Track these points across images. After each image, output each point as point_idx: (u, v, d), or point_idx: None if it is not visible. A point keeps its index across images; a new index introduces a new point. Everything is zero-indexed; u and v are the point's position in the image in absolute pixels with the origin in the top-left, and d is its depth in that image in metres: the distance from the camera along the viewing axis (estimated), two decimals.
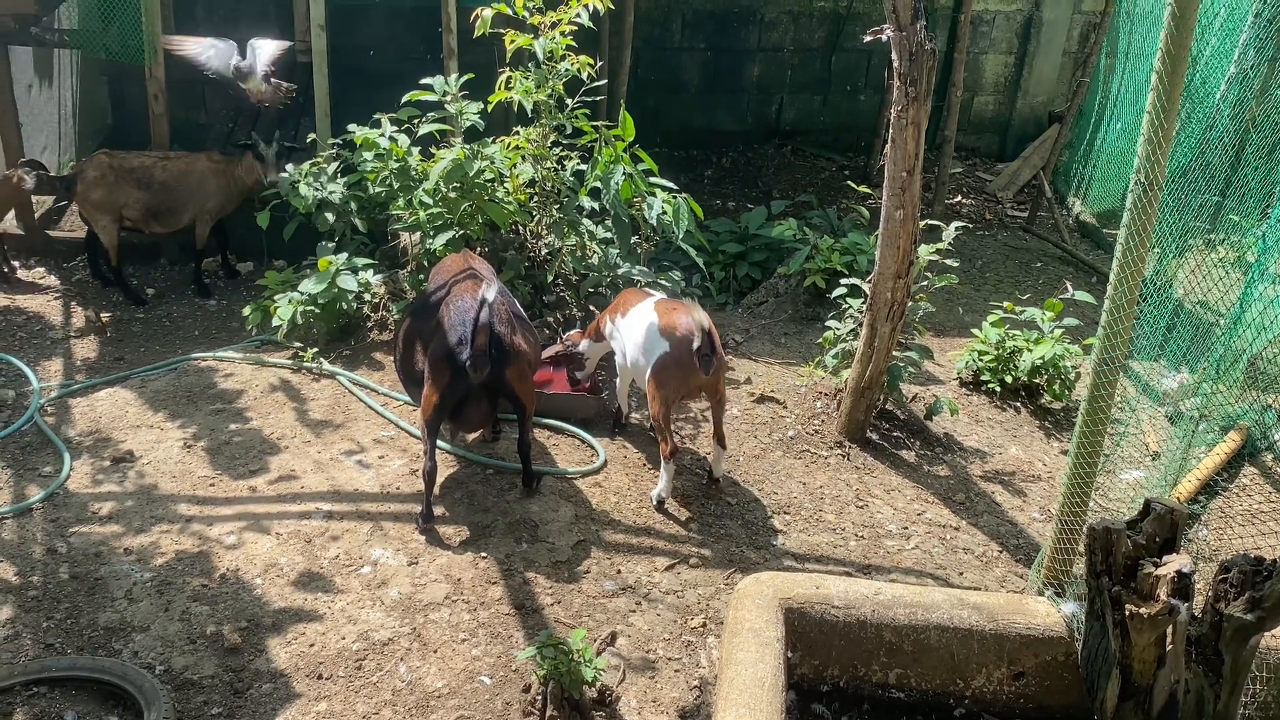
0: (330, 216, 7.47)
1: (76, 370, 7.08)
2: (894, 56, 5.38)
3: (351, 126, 7.46)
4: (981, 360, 7.03)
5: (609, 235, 7.12)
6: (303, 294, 6.91)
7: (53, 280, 8.53)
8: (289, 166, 7.66)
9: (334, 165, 7.66)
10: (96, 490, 5.52)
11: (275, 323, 6.91)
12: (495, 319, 5.07)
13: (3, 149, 8.80)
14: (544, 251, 7.23)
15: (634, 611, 4.83)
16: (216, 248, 8.61)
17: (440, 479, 5.51)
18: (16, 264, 8.62)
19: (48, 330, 7.67)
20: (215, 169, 8.09)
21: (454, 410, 5.28)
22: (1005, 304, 7.25)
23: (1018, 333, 7.07)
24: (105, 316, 7.86)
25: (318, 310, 6.90)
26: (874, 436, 6.41)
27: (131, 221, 8.09)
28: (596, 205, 7.06)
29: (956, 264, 6.60)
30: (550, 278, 7.07)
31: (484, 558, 5.09)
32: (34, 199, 9.04)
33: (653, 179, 6.93)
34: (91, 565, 4.93)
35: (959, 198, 11.79)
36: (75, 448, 5.89)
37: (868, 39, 5.55)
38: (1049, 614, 4.25)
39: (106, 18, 8.29)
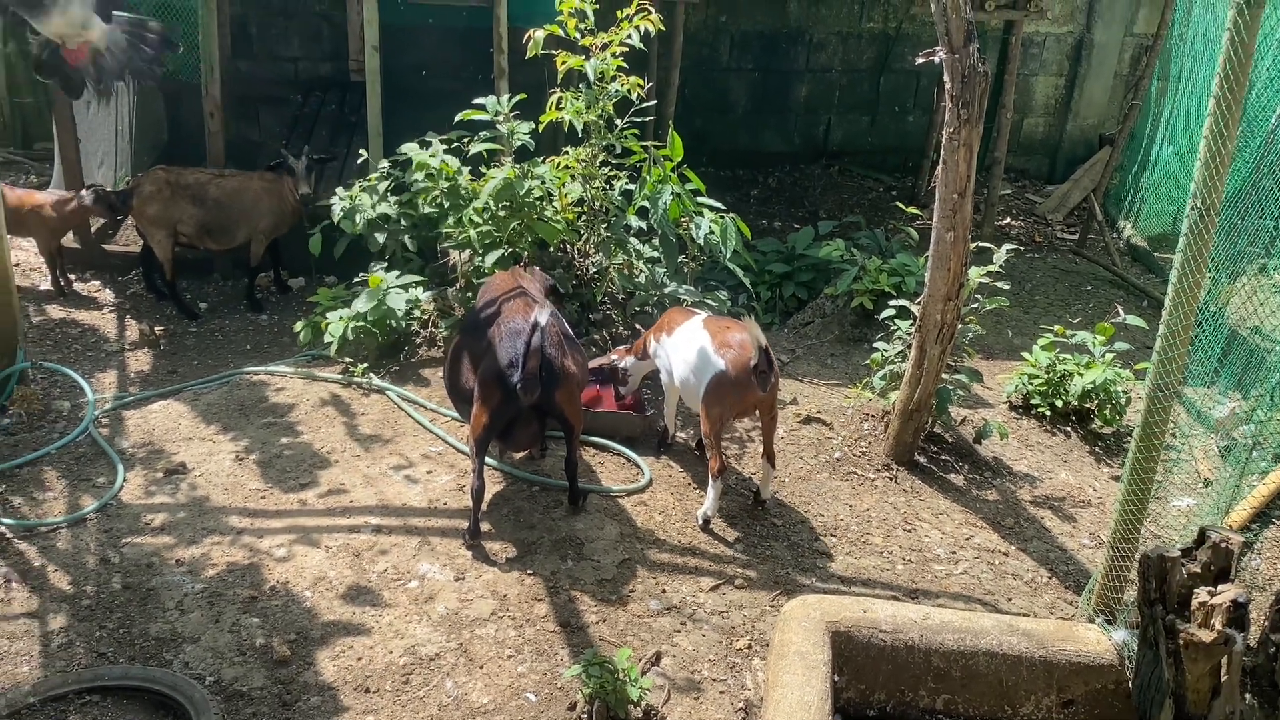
0: (381, 235, 7.56)
1: (130, 383, 7.19)
2: (946, 79, 5.37)
3: (403, 146, 7.54)
4: (1031, 384, 6.98)
5: (656, 254, 7.15)
6: (353, 310, 6.99)
7: (108, 294, 8.68)
8: (339, 188, 7.75)
9: (385, 184, 7.75)
10: (149, 501, 5.60)
11: (326, 338, 6.99)
12: (547, 342, 5.10)
13: (62, 165, 8.98)
14: (591, 270, 7.27)
15: (679, 631, 4.82)
16: (269, 264, 8.73)
17: (487, 495, 5.53)
18: (72, 277, 8.78)
19: (103, 343, 7.81)
20: (267, 188, 8.22)
21: (503, 430, 5.29)
22: (1055, 327, 7.19)
23: (1068, 356, 7.01)
24: (159, 330, 7.99)
25: (368, 326, 6.98)
26: (922, 459, 6.37)
27: (186, 237, 8.22)
28: (644, 224, 7.09)
29: (1006, 286, 6.55)
30: (597, 296, 7.11)
31: (530, 574, 5.11)
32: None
33: (700, 199, 6.95)
34: (144, 576, 4.99)
35: (1008, 219, 11.73)
36: (129, 459, 5.98)
37: (920, 61, 5.55)
38: (1100, 641, 4.21)
39: None
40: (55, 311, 8.27)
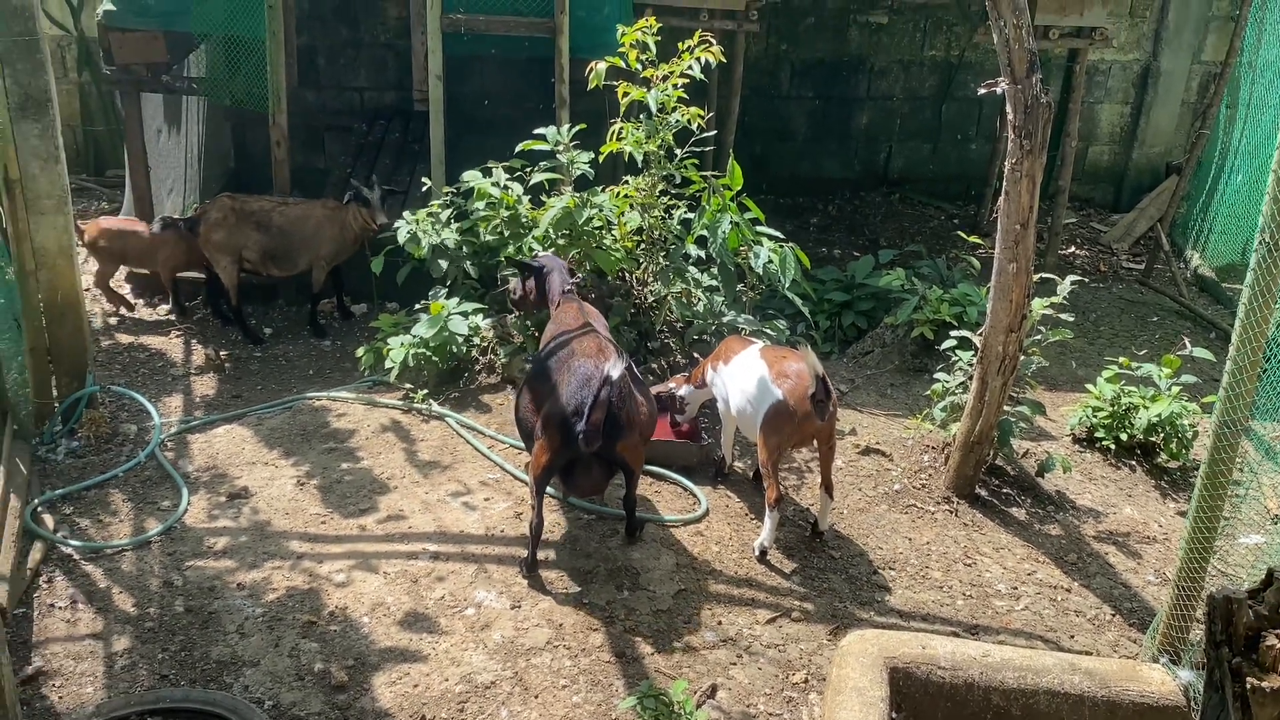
0: (443, 262, 7.63)
1: (196, 407, 7.32)
2: (1008, 109, 5.33)
3: (465, 174, 7.62)
4: (1096, 416, 6.87)
5: (714, 283, 7.15)
6: (414, 336, 7.06)
7: (175, 319, 8.85)
8: (405, 214, 7.84)
9: (447, 212, 7.83)
10: (212, 525, 5.68)
11: (387, 364, 7.06)
12: (614, 395, 4.97)
13: (132, 192, 9.20)
14: (649, 298, 7.28)
15: (735, 664, 4.79)
16: (332, 290, 8.85)
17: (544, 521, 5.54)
18: (139, 302, 8.97)
19: (169, 367, 7.96)
20: (330, 216, 8.34)
21: (564, 473, 5.22)
22: (1120, 359, 7.09)
23: (1133, 389, 6.90)
24: (224, 355, 8.13)
25: (428, 353, 7.04)
26: (983, 492, 6.29)
27: (250, 264, 8.37)
28: (702, 253, 7.10)
29: (1070, 317, 6.47)
30: (656, 324, 7.12)
31: (585, 604, 5.11)
32: None
33: (759, 228, 6.95)
34: (206, 599, 5.06)
35: (1072, 249, 11.60)
36: (193, 483, 6.08)
37: (982, 91, 5.51)
38: (1164, 682, 4.12)
39: (233, 67, 8.65)
40: (123, 336, 8.45)
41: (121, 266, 9.09)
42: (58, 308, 6.50)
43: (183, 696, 4.39)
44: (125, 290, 9.27)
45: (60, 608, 4.97)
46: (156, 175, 9.57)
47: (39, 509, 5.70)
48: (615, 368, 4.94)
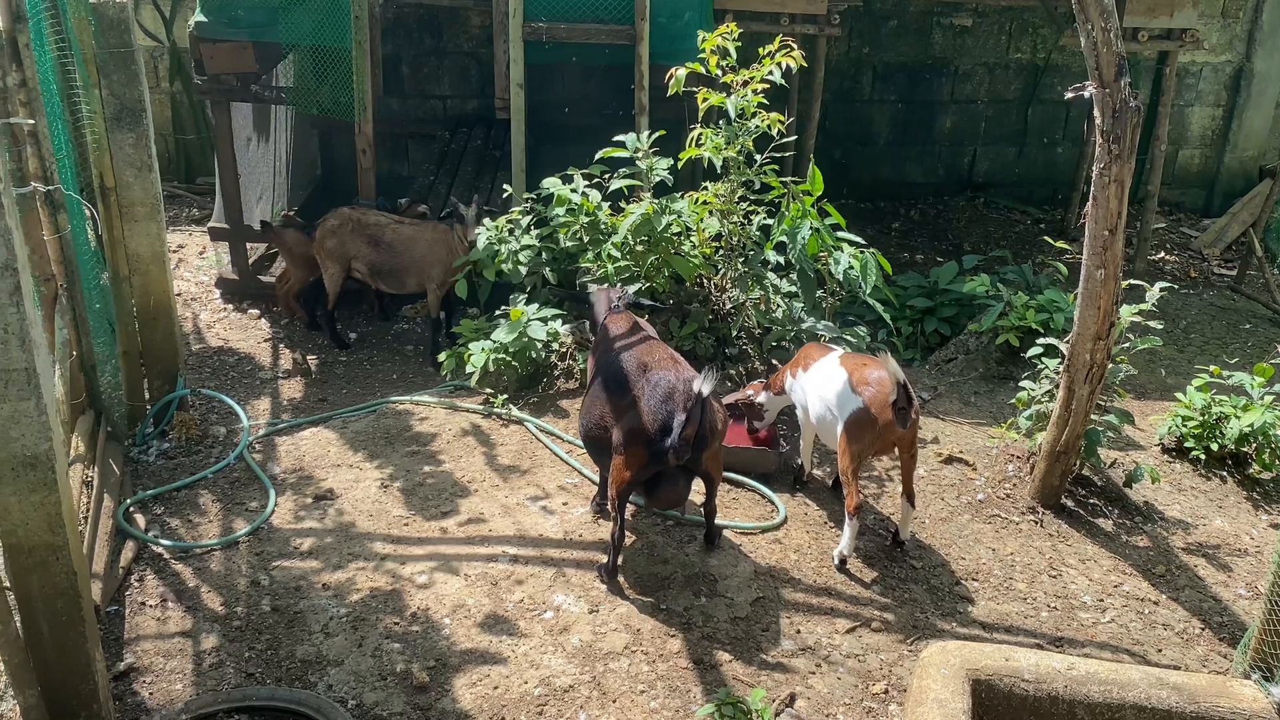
0: (522, 268, 7.70)
1: (283, 410, 7.46)
2: (1096, 113, 5.23)
3: (545, 181, 7.67)
4: (1185, 426, 6.71)
5: (793, 289, 7.12)
6: (495, 342, 7.12)
7: (263, 324, 9.03)
8: (485, 220, 7.91)
9: (527, 219, 7.89)
10: (298, 526, 5.78)
11: (468, 369, 7.14)
12: (705, 410, 4.97)
13: (222, 198, 9.40)
14: (728, 305, 7.27)
15: (813, 673, 4.76)
16: (456, 304, 8.76)
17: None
18: (229, 306, 9.17)
19: (257, 371, 8.12)
20: (439, 239, 8.31)
21: (648, 486, 5.18)
22: (1211, 367, 6.92)
23: (1224, 398, 6.73)
24: (311, 359, 8.26)
25: (508, 358, 7.10)
26: (1069, 503, 6.18)
27: (360, 275, 8.48)
28: (782, 259, 7.07)
29: (1159, 325, 6.33)
30: (734, 331, 7.10)
31: (663, 610, 5.11)
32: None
33: (839, 233, 6.90)
34: (291, 599, 5.15)
35: (1162, 254, 11.36)
36: (280, 484, 6.19)
37: (1069, 96, 5.42)
38: (1255, 698, 4.01)
39: (320, 76, 8.80)
40: (213, 340, 8.64)
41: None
42: (150, 312, 6.67)
43: (269, 695, 4.47)
44: (215, 296, 9.48)
45: (151, 606, 5.09)
46: (245, 183, 9.76)
47: (131, 509, 5.85)
48: (705, 384, 4.89)
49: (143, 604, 5.10)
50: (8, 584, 3.91)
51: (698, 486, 5.49)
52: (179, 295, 9.10)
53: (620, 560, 5.37)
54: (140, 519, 5.78)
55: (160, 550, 5.52)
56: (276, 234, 8.92)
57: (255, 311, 9.22)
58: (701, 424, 4.95)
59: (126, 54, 6.15)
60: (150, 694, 4.54)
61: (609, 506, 5.34)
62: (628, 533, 5.65)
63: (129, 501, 5.88)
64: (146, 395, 6.78)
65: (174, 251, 10.11)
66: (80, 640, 4.03)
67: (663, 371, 5.14)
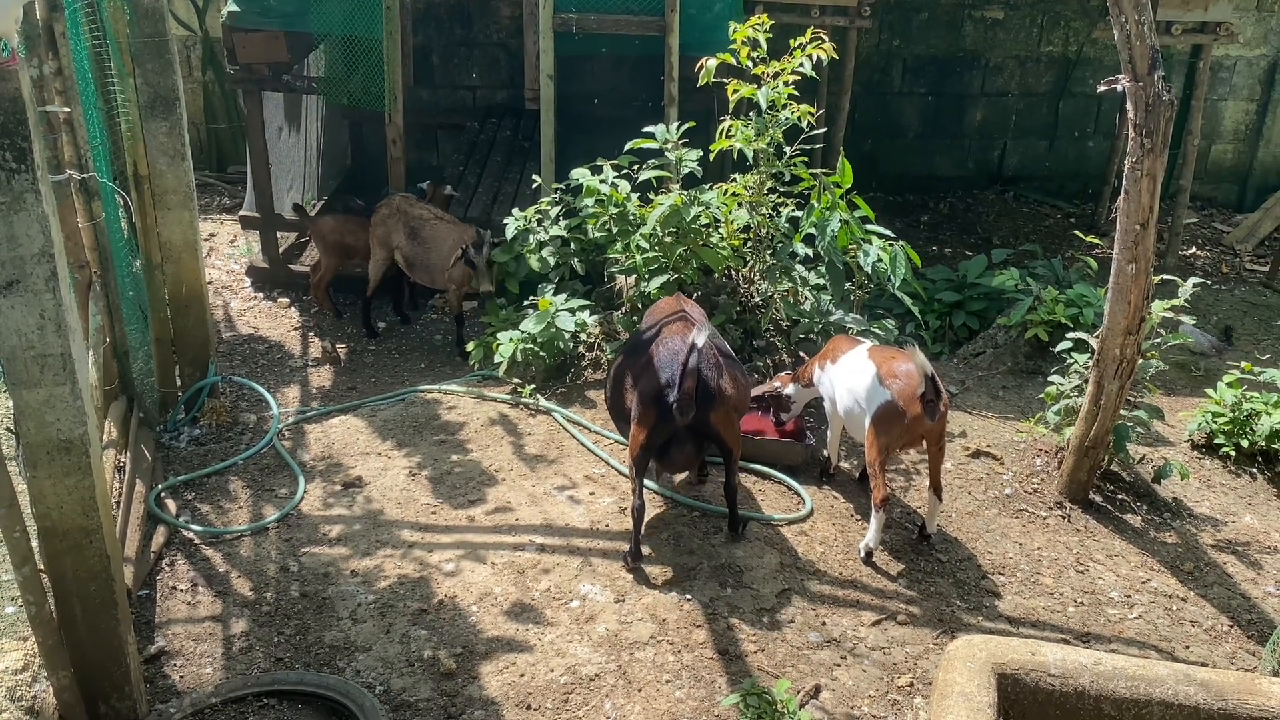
0: (551, 259, 7.71)
1: (312, 398, 7.51)
2: (1129, 107, 5.20)
3: (574, 171, 7.68)
4: (1215, 422, 6.66)
5: (822, 282, 7.10)
6: (523, 332, 7.14)
7: (293, 312, 9.09)
8: (514, 210, 7.92)
9: (556, 209, 7.90)
10: (327, 513, 5.83)
11: (496, 359, 7.16)
12: (704, 364, 5.11)
13: (254, 187, 9.46)
14: (756, 297, 7.26)
15: (839, 665, 4.76)
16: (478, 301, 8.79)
17: (647, 518, 5.56)
18: (259, 295, 9.23)
19: (287, 359, 8.18)
20: (462, 243, 8.27)
21: (660, 451, 5.33)
22: (1243, 363, 6.86)
23: (1256, 394, 6.67)
24: (340, 348, 8.31)
25: (536, 348, 7.12)
26: (1097, 498, 6.15)
27: (402, 264, 8.49)
28: (810, 251, 7.05)
29: (1191, 320, 6.28)
30: (762, 323, 7.10)
31: (688, 600, 5.12)
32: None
33: (869, 226, 6.88)
34: (320, 585, 5.20)
35: (1193, 249, 11.26)
36: (309, 471, 6.24)
37: (1102, 89, 5.38)
38: None
39: (351, 67, 8.84)
40: (244, 328, 8.70)
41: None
42: (182, 300, 6.73)
43: (297, 679, 4.52)
44: (246, 284, 9.55)
45: (181, 590, 5.15)
46: (276, 172, 9.82)
47: (162, 494, 5.91)
48: (699, 336, 5.05)
49: (173, 588, 5.16)
50: (42, 566, 3.96)
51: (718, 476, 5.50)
52: (210, 283, 9.15)
53: (644, 551, 5.40)
54: (171, 504, 5.85)
55: (191, 535, 5.58)
56: (311, 220, 8.96)
57: (285, 300, 9.27)
58: (702, 379, 5.08)
59: (161, 43, 6.20)
60: (180, 677, 4.60)
61: (629, 479, 5.43)
62: (655, 524, 5.67)
63: (160, 487, 5.94)
64: (178, 382, 6.85)
65: (205, 240, 10.18)
66: (112, 623, 4.08)
67: (672, 337, 5.31)
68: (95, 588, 4.01)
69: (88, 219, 5.73)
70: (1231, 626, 5.23)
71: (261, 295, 9.35)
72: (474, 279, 8.02)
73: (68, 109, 5.43)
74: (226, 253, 10.24)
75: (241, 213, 9.84)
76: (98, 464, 3.94)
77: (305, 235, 10.25)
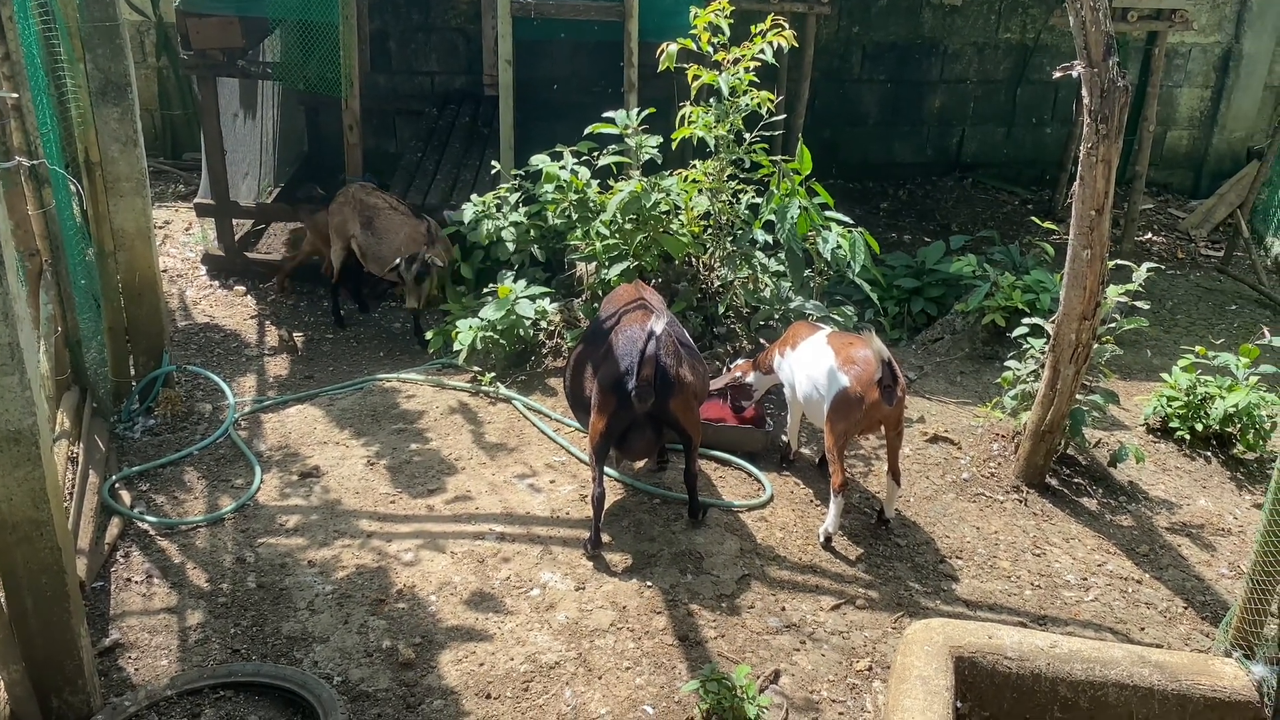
0: (510, 245, 7.67)
1: (269, 386, 7.44)
2: (1084, 93, 5.23)
3: (534, 158, 7.64)
4: (1170, 406, 6.74)
5: (781, 268, 7.11)
6: (483, 320, 7.11)
7: (249, 300, 8.99)
8: (473, 196, 7.86)
9: (516, 195, 7.86)
10: (284, 503, 5.78)
11: (456, 347, 7.13)
12: (662, 351, 5.12)
13: (209, 175, 9.35)
14: (716, 284, 7.26)
15: (798, 650, 4.78)
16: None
17: (607, 506, 5.57)
18: (215, 284, 9.13)
19: (243, 348, 8.09)
20: (411, 238, 8.09)
21: (620, 438, 5.34)
22: (1197, 348, 6.94)
23: (1210, 378, 6.76)
24: (298, 336, 8.24)
25: (496, 336, 7.09)
26: (1053, 482, 6.21)
27: (357, 253, 8.37)
28: (770, 238, 7.06)
29: (1146, 305, 6.34)
30: (722, 310, 7.10)
31: (649, 587, 5.13)
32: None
33: (828, 213, 6.89)
34: (277, 576, 5.16)
35: (1149, 235, 11.37)
36: (266, 461, 6.18)
37: (1058, 75, 5.41)
38: (1236, 676, 4.04)
39: (307, 52, 8.73)
40: (199, 316, 8.61)
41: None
42: (136, 288, 6.65)
43: (254, 671, 4.48)
44: (201, 272, 9.44)
45: (136, 582, 5.09)
46: (232, 159, 9.70)
47: (116, 485, 5.84)
48: (658, 323, 5.08)
49: (128, 580, 5.10)
50: None
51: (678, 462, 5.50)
52: (165, 271, 9.05)
53: (605, 538, 5.40)
54: (126, 495, 5.78)
55: (146, 526, 5.52)
56: (307, 214, 8.83)
57: (241, 288, 9.18)
58: (661, 366, 5.10)
59: (111, 28, 6.11)
60: (135, 670, 4.55)
61: (590, 466, 5.45)
62: (616, 512, 5.66)
63: (114, 478, 5.88)
64: (132, 371, 6.77)
65: (160, 227, 10.05)
66: (65, 616, 4.03)
67: (631, 326, 5.31)
68: (47, 580, 3.96)
69: (38, 206, 5.63)
70: (1186, 608, 5.29)
71: (217, 284, 9.24)
72: (402, 291, 7.92)
73: (16, 94, 5.33)
74: (182, 240, 10.11)
75: (196, 200, 9.71)
76: (48, 455, 3.88)
77: (261, 223, 10.15)
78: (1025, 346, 6.46)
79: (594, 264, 7.23)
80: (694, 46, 6.80)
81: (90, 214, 6.38)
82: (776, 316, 7.08)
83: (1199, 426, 6.65)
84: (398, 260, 7.83)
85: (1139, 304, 6.24)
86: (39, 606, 3.98)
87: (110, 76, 6.15)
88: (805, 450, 6.34)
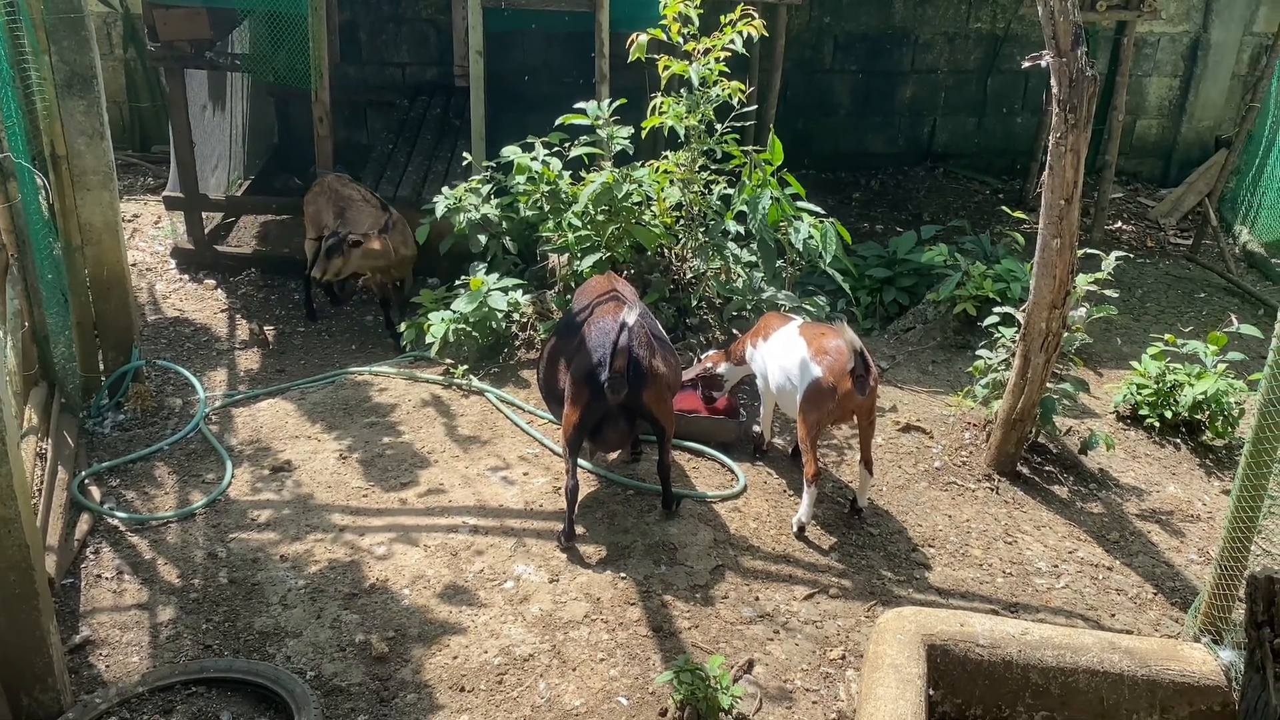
0: (482, 237, 7.65)
1: (240, 381, 7.40)
2: (1053, 82, 5.25)
3: (505, 149, 7.62)
4: (1140, 394, 6.79)
5: (754, 259, 7.12)
6: (455, 312, 7.09)
7: (219, 294, 8.94)
8: (444, 188, 7.83)
9: (488, 187, 7.84)
10: (256, 498, 5.75)
11: (428, 339, 7.10)
12: (634, 342, 5.12)
13: (178, 167, 9.28)
14: (689, 275, 7.27)
15: (772, 640, 4.80)
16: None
17: (581, 498, 5.57)
18: (185, 277, 9.06)
19: (214, 342, 8.05)
20: (374, 228, 8.04)
21: (593, 430, 5.34)
22: (1166, 336, 6.99)
23: (1179, 366, 6.81)
24: (269, 330, 8.19)
25: (469, 328, 7.06)
26: (1024, 470, 6.25)
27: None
28: (742, 229, 7.06)
29: (1115, 293, 6.38)
30: (694, 301, 7.11)
31: (623, 578, 5.13)
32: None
33: (800, 203, 6.91)
34: (249, 571, 5.13)
35: (1119, 224, 11.45)
36: (237, 456, 6.15)
37: (1026, 64, 5.44)
38: (1205, 661, 4.08)
39: (276, 43, 8.66)
40: (169, 310, 8.54)
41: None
42: (104, 282, 6.58)
43: (226, 666, 4.46)
44: (171, 266, 9.37)
45: (107, 578, 5.05)
46: (201, 151, 9.63)
47: (86, 481, 5.79)
48: (630, 314, 5.08)
49: (99, 577, 5.06)
50: None
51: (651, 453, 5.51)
52: (134, 265, 8.98)
53: (579, 530, 5.40)
54: (95, 491, 5.73)
55: (116, 523, 5.48)
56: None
57: (211, 282, 9.12)
58: (634, 357, 5.10)
59: (76, 19, 6.03)
60: (106, 666, 4.52)
61: (563, 459, 5.45)
62: (590, 504, 5.66)
63: (84, 474, 5.82)
64: (101, 367, 6.71)
65: (129, 221, 9.97)
66: (33, 614, 3.99)
67: (603, 318, 5.30)
68: (15, 578, 3.92)
69: (3, 200, 5.57)
70: (1156, 594, 5.34)
71: (187, 277, 9.18)
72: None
73: None
74: (151, 234, 10.04)
75: (165, 193, 9.64)
76: (15, 451, 3.84)
77: (231, 216, 10.08)
78: (996, 335, 6.50)
79: (566, 255, 7.21)
80: (664, 37, 6.79)
81: (57, 208, 6.31)
82: (749, 307, 7.09)
83: (1168, 414, 6.70)
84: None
85: (1108, 292, 6.29)
86: (7, 604, 3.94)
87: (76, 69, 6.08)
88: (778, 441, 6.35)
